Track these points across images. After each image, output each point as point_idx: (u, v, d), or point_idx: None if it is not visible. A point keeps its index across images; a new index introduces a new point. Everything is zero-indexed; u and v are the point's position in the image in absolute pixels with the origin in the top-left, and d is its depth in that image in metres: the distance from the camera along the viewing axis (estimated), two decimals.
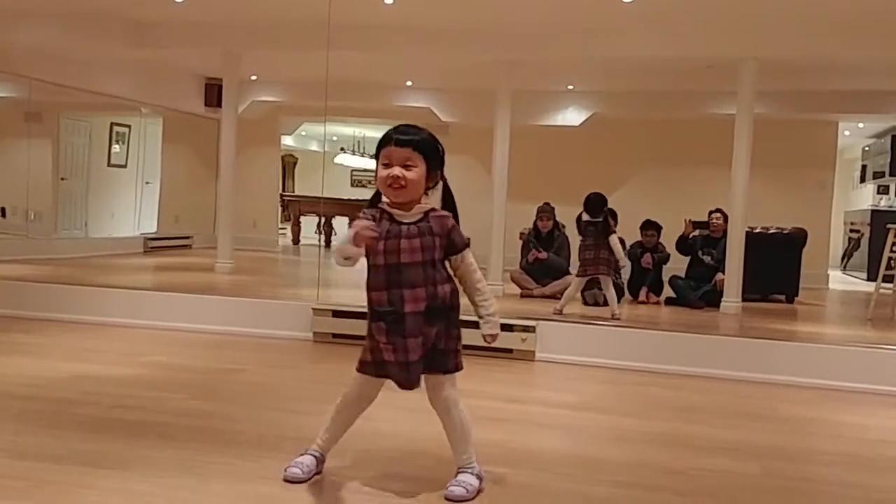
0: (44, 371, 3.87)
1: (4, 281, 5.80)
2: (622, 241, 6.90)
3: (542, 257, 6.84)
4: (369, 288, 2.39)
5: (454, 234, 2.40)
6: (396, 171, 2.33)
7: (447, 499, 2.33)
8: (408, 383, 2.36)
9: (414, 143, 2.36)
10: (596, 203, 5.69)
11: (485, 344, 2.47)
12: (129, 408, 3.25)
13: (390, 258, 2.34)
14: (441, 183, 2.46)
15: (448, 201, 2.47)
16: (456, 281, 2.44)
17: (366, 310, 2.42)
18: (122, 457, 2.61)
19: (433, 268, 2.36)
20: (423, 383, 2.40)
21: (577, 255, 5.86)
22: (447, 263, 2.42)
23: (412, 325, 2.31)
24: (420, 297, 2.33)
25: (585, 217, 5.71)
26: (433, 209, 2.42)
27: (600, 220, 5.66)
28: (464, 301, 2.45)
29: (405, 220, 2.37)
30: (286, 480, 2.41)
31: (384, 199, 2.43)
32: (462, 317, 2.44)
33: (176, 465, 2.55)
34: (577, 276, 5.77)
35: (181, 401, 3.41)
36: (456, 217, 2.45)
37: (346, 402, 2.47)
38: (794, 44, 6.22)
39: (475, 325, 2.46)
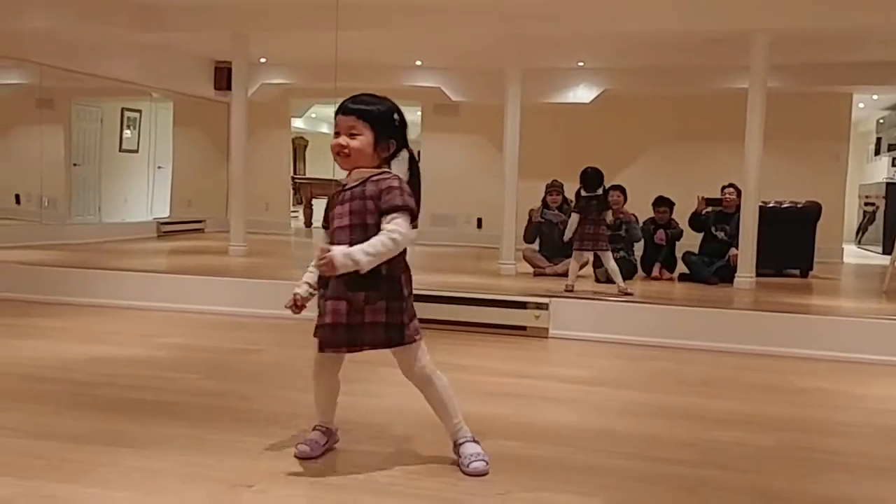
0: (61, 353, 3.91)
1: (21, 266, 5.86)
2: (635, 218, 6.91)
3: (560, 218, 6.87)
4: None
5: (384, 195, 2.30)
6: (341, 139, 2.36)
7: (472, 475, 2.34)
8: (326, 343, 2.33)
9: (359, 111, 2.36)
10: (593, 177, 5.67)
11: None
12: (145, 388, 3.28)
13: (333, 223, 2.39)
14: (406, 154, 2.42)
15: (413, 173, 2.42)
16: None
17: None
18: (139, 436, 2.64)
19: (363, 231, 2.29)
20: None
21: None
22: None
23: (333, 288, 2.31)
24: None
25: (584, 192, 5.70)
26: (380, 174, 2.35)
27: (599, 194, 5.64)
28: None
29: (346, 187, 2.39)
30: (297, 457, 2.44)
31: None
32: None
33: (192, 444, 2.57)
34: (575, 250, 5.75)
35: (196, 381, 3.45)
36: (416, 188, 2.37)
37: (314, 366, 2.46)
38: (806, 14, 6.14)
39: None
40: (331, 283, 2.32)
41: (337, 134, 2.38)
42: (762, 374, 4.04)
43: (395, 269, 2.34)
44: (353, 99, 2.40)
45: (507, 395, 3.37)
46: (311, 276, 2.43)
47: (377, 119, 2.37)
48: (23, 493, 2.12)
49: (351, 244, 2.25)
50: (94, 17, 7.05)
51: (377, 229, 2.28)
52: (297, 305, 2.42)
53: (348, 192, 2.36)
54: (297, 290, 2.42)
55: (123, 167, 10.28)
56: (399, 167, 2.41)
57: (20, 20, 6.93)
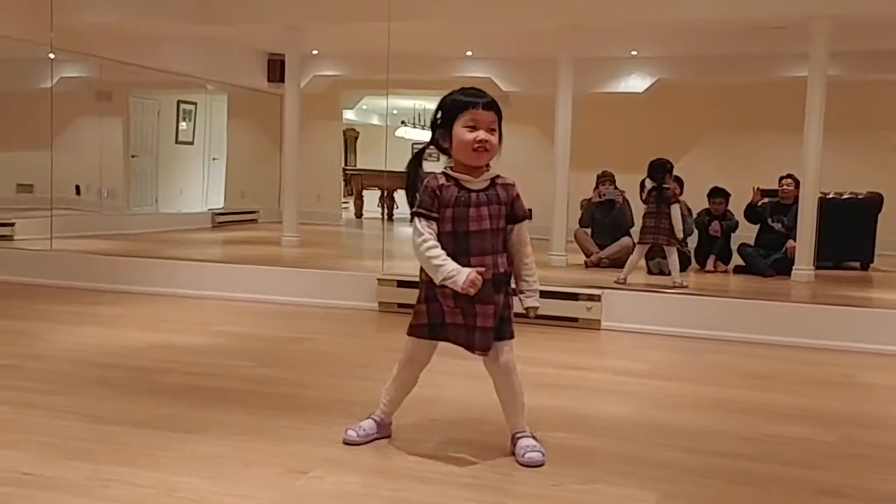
0: (121, 340, 4.00)
1: (82, 255, 6.01)
2: (689, 210, 6.80)
3: (618, 196, 6.83)
4: None
5: (517, 203, 2.40)
6: (483, 134, 2.33)
7: (528, 465, 2.34)
8: (480, 346, 2.35)
9: (497, 109, 2.37)
10: (658, 168, 5.58)
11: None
12: (202, 375, 3.34)
13: (459, 226, 2.33)
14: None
15: None
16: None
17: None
18: (197, 421, 2.69)
19: (497, 235, 2.36)
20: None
21: (641, 221, 5.77)
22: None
23: (484, 293, 2.30)
24: (487, 265, 2.33)
25: (648, 183, 5.62)
26: (498, 176, 2.41)
27: (662, 185, 5.55)
28: None
29: (473, 188, 2.36)
30: (344, 442, 2.46)
31: (426, 160, 2.44)
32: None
33: (249, 429, 2.61)
34: (638, 243, 5.69)
35: (252, 368, 3.50)
36: None
37: (401, 365, 2.49)
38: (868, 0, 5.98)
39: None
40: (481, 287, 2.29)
41: (473, 128, 2.33)
42: (821, 369, 3.95)
43: (511, 276, 2.43)
44: (480, 94, 2.38)
45: (560, 387, 3.35)
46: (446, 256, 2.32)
47: (501, 115, 2.40)
48: (85, 476, 2.18)
49: (493, 249, 2.34)
50: (153, 10, 7.18)
51: (503, 233, 2.38)
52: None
53: (483, 195, 2.36)
54: (470, 270, 2.27)
55: (179, 159, 10.48)
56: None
57: (82, 15, 7.10)
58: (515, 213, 2.40)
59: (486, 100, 2.36)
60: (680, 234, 5.65)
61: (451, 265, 2.29)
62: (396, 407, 2.54)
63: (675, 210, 5.55)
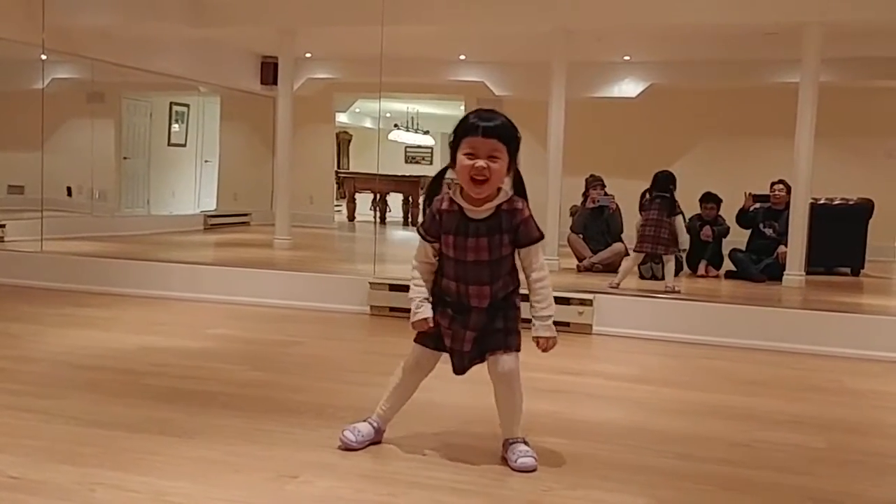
0: (112, 343, 3.98)
1: (73, 257, 5.98)
2: (683, 216, 6.82)
3: (612, 202, 6.85)
4: (440, 272, 2.41)
5: (522, 228, 2.33)
6: (481, 162, 2.26)
7: (520, 470, 2.33)
8: (460, 370, 2.42)
9: (501, 133, 2.27)
10: (664, 180, 5.63)
11: (528, 316, 2.42)
12: (193, 378, 3.33)
13: (458, 254, 2.34)
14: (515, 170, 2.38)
15: (519, 187, 2.39)
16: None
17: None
18: (188, 425, 2.67)
19: (498, 266, 2.35)
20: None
21: (636, 230, 5.77)
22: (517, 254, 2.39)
23: (475, 320, 2.35)
24: (485, 295, 2.35)
25: (651, 193, 5.64)
26: (507, 201, 2.34)
27: (667, 195, 5.57)
28: None
29: (475, 217, 2.33)
30: (340, 444, 2.45)
31: (448, 179, 2.41)
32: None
33: (239, 433, 2.60)
34: (635, 251, 5.70)
35: (243, 372, 3.48)
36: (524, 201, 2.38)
37: (405, 372, 2.49)
38: (861, 6, 6.00)
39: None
40: (473, 313, 2.34)
41: (471, 156, 2.26)
42: (812, 374, 3.95)
43: (517, 283, 2.42)
44: (485, 118, 2.28)
45: (551, 392, 3.35)
46: (424, 290, 2.41)
47: (511, 139, 2.30)
48: (73, 480, 2.16)
49: (491, 279, 2.33)
50: (146, 13, 7.16)
51: (508, 259, 2.36)
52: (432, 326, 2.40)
53: (483, 226, 2.32)
54: (427, 315, 2.38)
55: (171, 161, 10.45)
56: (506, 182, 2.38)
57: (74, 16, 7.08)
58: (519, 239, 2.34)
59: (489, 125, 2.26)
60: (685, 246, 5.69)
61: (417, 299, 2.39)
62: (395, 413, 2.54)
63: (679, 221, 5.59)
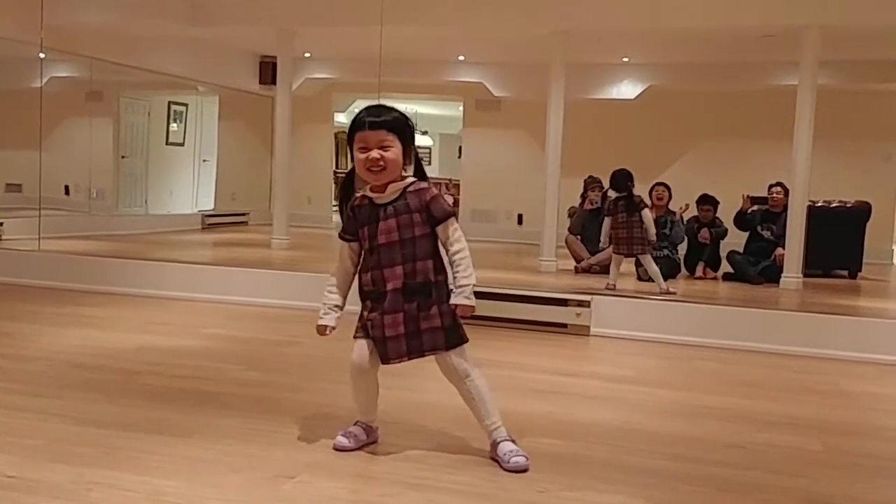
0: (109, 342, 3.98)
1: (70, 256, 5.98)
2: (682, 218, 6.82)
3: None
4: (362, 270, 2.47)
5: (433, 205, 2.39)
6: (374, 153, 2.36)
7: (513, 470, 2.33)
8: (384, 357, 2.42)
9: (387, 123, 2.38)
10: (621, 179, 5.63)
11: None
12: (190, 378, 3.33)
13: (372, 242, 2.41)
14: (413, 156, 2.47)
15: (419, 172, 2.47)
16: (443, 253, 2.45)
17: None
18: (184, 424, 2.68)
19: (412, 245, 2.39)
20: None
21: (608, 234, 5.76)
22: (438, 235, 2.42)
23: (390, 302, 2.37)
24: (398, 275, 2.38)
25: (612, 194, 5.66)
26: (412, 183, 2.42)
27: (625, 195, 5.58)
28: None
29: (383, 202, 2.41)
30: (335, 448, 2.46)
31: (357, 183, 2.48)
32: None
33: (236, 433, 2.60)
34: (614, 253, 5.71)
35: (240, 371, 3.49)
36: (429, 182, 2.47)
37: (352, 369, 2.48)
38: (859, 10, 6.01)
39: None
40: (388, 296, 2.38)
41: (364, 149, 2.37)
42: (808, 377, 3.96)
43: (443, 274, 2.43)
44: (374, 112, 2.40)
45: (548, 393, 3.35)
46: (335, 297, 2.49)
47: (401, 128, 2.41)
48: (70, 479, 2.17)
49: (403, 259, 2.36)
50: (144, 11, 7.16)
51: (423, 240, 2.39)
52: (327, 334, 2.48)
53: (391, 207, 2.39)
54: (328, 323, 2.47)
55: (170, 160, 10.44)
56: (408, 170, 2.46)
57: (73, 15, 7.07)
58: (433, 215, 2.39)
59: (376, 119, 2.37)
60: (653, 238, 5.68)
61: (325, 306, 2.48)
62: (372, 412, 2.53)
63: (647, 214, 5.61)
